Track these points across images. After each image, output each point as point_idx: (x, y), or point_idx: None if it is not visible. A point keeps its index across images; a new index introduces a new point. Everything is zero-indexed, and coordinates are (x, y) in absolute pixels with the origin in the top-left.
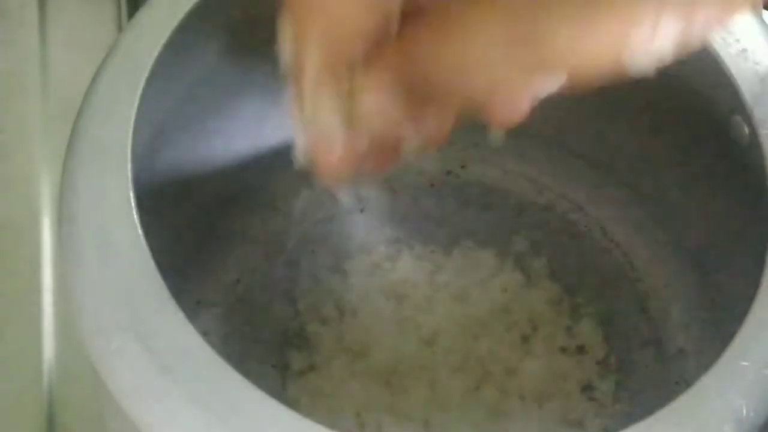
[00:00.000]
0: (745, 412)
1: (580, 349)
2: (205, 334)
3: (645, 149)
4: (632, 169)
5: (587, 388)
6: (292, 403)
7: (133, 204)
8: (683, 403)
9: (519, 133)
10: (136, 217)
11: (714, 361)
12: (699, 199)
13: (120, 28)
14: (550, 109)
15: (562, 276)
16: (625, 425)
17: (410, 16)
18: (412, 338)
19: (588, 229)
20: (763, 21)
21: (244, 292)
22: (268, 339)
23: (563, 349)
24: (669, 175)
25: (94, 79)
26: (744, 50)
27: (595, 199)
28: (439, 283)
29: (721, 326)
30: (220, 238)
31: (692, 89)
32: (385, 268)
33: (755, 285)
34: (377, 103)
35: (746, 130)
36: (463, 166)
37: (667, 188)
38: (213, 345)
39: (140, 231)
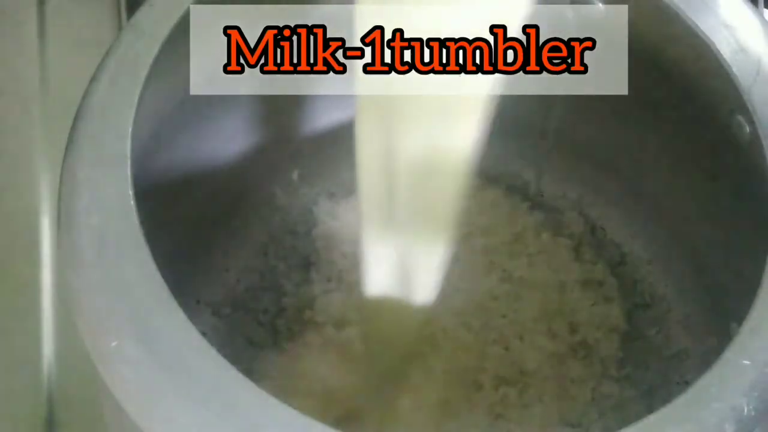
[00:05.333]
0: (746, 410)
1: (581, 350)
2: (204, 334)
3: (646, 149)
4: (632, 169)
5: (588, 389)
6: None
7: (132, 204)
8: (684, 401)
9: (519, 133)
10: (136, 217)
11: (714, 360)
12: (699, 199)
13: (120, 28)
14: (550, 109)
15: (563, 276)
16: (626, 425)
17: None
18: (416, 338)
19: (588, 229)
20: (764, 20)
21: (244, 292)
22: (267, 338)
23: (565, 350)
24: (670, 175)
25: (94, 79)
26: (745, 50)
27: (596, 199)
28: (444, 279)
29: (721, 326)
30: (220, 237)
31: (693, 89)
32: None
33: (755, 285)
34: None
35: (747, 129)
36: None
37: (667, 188)
38: (213, 345)
39: (140, 231)
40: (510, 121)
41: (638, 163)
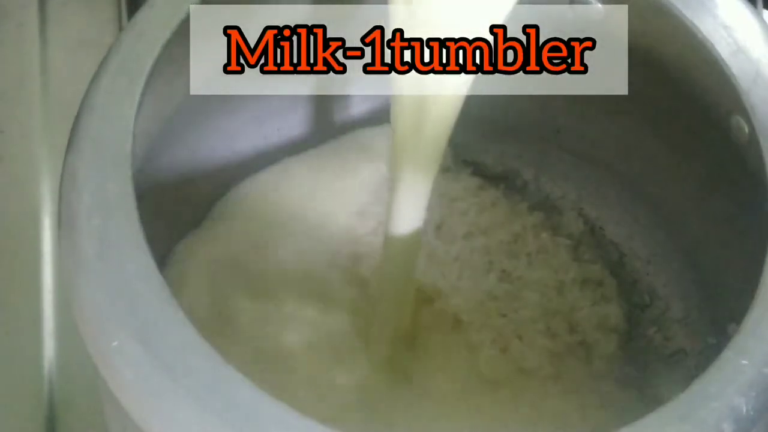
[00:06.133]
0: (744, 410)
1: (582, 349)
2: None
3: (645, 149)
4: (632, 169)
5: (588, 389)
6: None
7: (133, 203)
8: (683, 401)
9: (519, 133)
10: (136, 216)
11: (713, 360)
12: (699, 199)
13: (120, 29)
14: (549, 109)
15: (562, 276)
16: (626, 425)
17: None
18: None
19: (587, 229)
20: (763, 21)
21: None
22: None
23: (564, 350)
24: (669, 175)
25: (94, 79)
26: (744, 50)
27: (595, 199)
28: (445, 278)
29: (720, 325)
30: None
31: (692, 89)
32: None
33: (754, 285)
34: None
35: (746, 129)
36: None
37: (666, 188)
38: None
39: (141, 231)
40: (510, 121)
41: (638, 163)
